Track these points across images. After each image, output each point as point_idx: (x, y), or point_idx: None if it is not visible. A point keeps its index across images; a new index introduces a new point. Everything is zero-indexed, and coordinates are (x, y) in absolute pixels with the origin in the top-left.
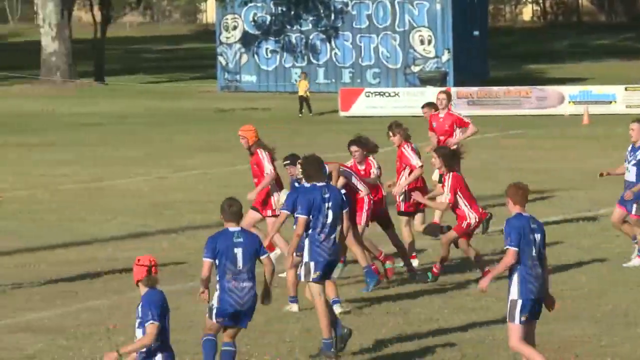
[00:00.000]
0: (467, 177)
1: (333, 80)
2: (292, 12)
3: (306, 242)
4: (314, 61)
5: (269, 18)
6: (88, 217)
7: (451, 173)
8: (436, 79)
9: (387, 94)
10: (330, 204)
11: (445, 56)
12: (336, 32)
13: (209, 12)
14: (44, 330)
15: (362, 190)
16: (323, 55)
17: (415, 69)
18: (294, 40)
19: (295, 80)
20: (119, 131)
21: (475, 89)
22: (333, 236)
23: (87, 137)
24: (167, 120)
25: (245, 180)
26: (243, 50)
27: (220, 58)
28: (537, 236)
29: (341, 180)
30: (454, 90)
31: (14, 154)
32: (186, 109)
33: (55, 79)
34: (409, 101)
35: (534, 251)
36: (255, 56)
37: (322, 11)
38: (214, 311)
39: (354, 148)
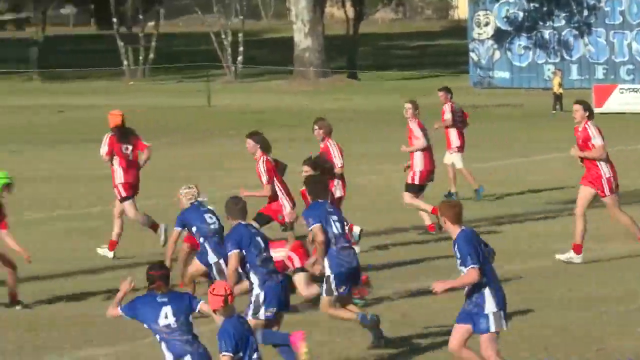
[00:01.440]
0: None
1: (586, 77)
2: (545, 9)
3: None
4: (567, 57)
5: (521, 14)
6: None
7: None
8: None
9: None
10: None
11: None
12: (589, 29)
13: (461, 8)
14: None
15: None
16: (576, 51)
17: None
18: (546, 37)
19: (548, 77)
20: (369, 127)
21: None
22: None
23: (336, 133)
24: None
25: (501, 176)
26: (495, 46)
27: (472, 54)
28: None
29: None
30: None
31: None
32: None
33: (309, 75)
34: None
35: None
36: (508, 52)
37: (574, 7)
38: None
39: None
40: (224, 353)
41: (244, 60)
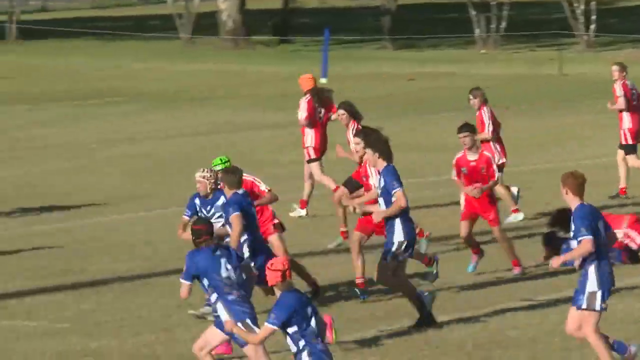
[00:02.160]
0: None
1: None
2: None
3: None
4: None
5: None
6: None
7: None
8: None
9: None
10: None
11: None
12: None
13: None
14: None
15: None
16: None
17: None
18: None
19: None
20: None
21: None
22: None
23: None
24: None
25: None
26: None
27: None
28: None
29: None
30: None
31: None
32: None
33: None
34: None
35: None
36: None
37: None
38: None
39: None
40: (269, 324)
41: (597, 28)
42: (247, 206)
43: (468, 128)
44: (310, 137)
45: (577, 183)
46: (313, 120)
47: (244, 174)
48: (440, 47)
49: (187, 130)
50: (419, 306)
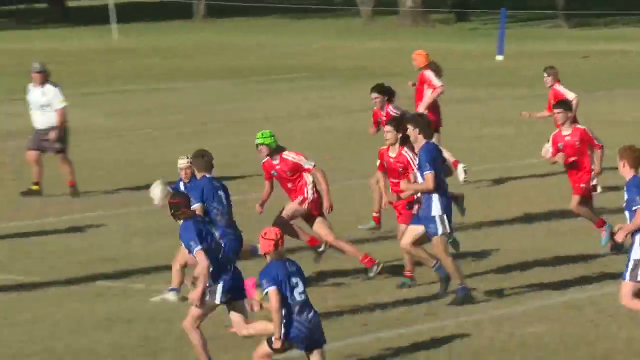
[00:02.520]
0: None
1: None
2: None
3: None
4: None
5: None
6: None
7: None
8: None
9: None
10: None
11: None
12: None
13: None
14: None
15: None
16: None
17: None
18: None
19: None
20: None
21: None
22: None
23: None
24: None
25: None
26: None
27: None
28: None
29: None
30: None
31: None
32: None
33: None
34: None
35: None
36: None
37: None
38: None
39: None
40: (269, 288)
41: None
42: (214, 190)
43: (562, 105)
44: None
45: (635, 156)
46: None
47: (287, 154)
48: (616, 26)
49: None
50: (448, 279)
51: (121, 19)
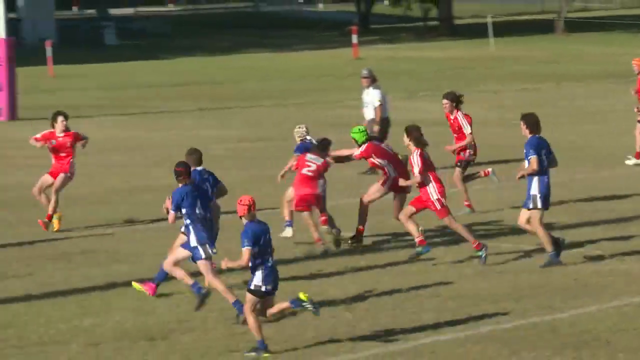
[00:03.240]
0: None
1: None
2: None
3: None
4: None
5: None
6: None
7: None
8: None
9: None
10: None
11: None
12: None
13: None
14: None
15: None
16: None
17: None
18: None
19: None
20: None
21: None
22: None
23: None
24: None
25: None
26: None
27: None
28: None
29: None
30: None
31: None
32: None
33: None
34: None
35: None
36: None
37: None
38: None
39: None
40: (245, 247)
41: None
42: (200, 181)
43: None
44: None
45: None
46: None
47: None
48: None
49: None
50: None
51: (497, 33)
